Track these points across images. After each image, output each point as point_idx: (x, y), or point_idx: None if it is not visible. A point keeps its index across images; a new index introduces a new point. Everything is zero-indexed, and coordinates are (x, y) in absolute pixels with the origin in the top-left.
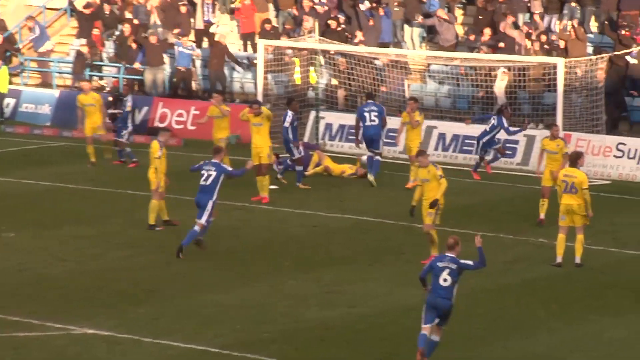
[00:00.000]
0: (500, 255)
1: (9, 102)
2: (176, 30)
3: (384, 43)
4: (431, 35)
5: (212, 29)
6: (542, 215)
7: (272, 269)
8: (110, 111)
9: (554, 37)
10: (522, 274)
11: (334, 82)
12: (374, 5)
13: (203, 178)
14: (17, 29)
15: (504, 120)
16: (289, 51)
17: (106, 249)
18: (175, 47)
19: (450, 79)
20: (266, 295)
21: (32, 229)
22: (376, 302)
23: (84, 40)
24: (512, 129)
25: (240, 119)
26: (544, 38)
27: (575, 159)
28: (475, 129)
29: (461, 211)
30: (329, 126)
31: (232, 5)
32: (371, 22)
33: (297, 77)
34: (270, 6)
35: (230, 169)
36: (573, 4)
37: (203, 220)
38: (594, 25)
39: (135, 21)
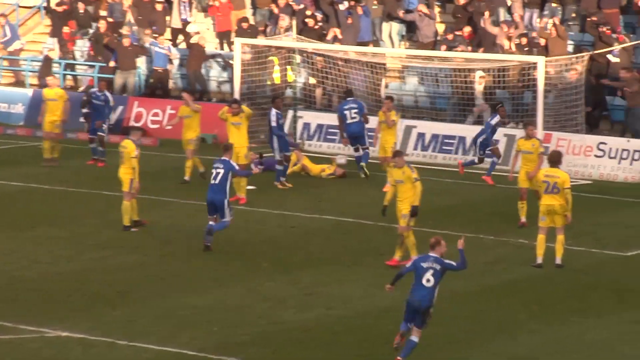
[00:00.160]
0: (481, 256)
1: None
2: (148, 32)
3: (363, 42)
4: (410, 34)
5: (188, 28)
6: (523, 219)
7: (249, 270)
8: (85, 110)
9: (534, 34)
10: (502, 275)
11: (312, 81)
12: (352, 4)
13: (212, 176)
14: None
15: (494, 118)
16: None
17: (80, 251)
18: (152, 47)
19: (430, 78)
20: (243, 297)
21: (5, 230)
22: (354, 304)
23: (54, 40)
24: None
25: (220, 117)
26: (524, 40)
27: (556, 159)
28: (457, 129)
29: (442, 212)
30: (307, 125)
31: (208, 3)
32: (349, 21)
33: (277, 77)
34: (248, 4)
35: (237, 167)
36: (554, 5)
37: (227, 217)
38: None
39: (110, 19)
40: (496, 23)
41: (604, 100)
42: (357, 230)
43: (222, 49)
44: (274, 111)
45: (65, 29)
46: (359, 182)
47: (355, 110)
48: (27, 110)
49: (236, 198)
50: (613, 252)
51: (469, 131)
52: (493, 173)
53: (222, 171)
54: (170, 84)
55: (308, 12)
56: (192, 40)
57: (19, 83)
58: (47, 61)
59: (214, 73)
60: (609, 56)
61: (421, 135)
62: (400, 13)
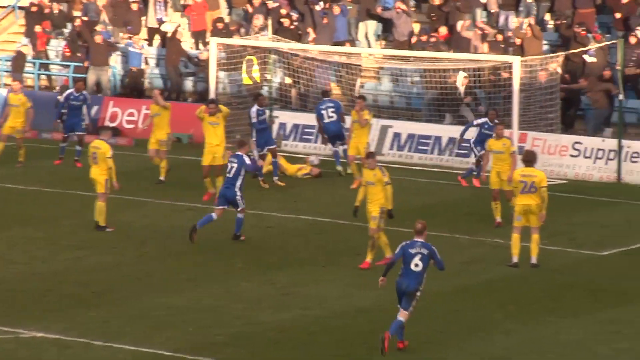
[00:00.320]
0: (457, 256)
1: None
2: (123, 31)
3: (339, 41)
4: (386, 34)
5: (163, 27)
6: (498, 219)
7: (225, 270)
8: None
9: (510, 34)
10: (478, 274)
11: (288, 80)
12: (328, 5)
13: (227, 170)
14: None
15: (479, 120)
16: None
17: (55, 251)
18: (127, 47)
19: (406, 78)
20: (219, 297)
21: None
22: (331, 304)
23: (26, 40)
24: (485, 132)
25: (197, 116)
26: (500, 37)
27: (531, 159)
28: (433, 129)
29: (417, 212)
30: (282, 125)
31: (182, 4)
32: (325, 21)
33: (257, 76)
34: (223, 4)
35: (249, 162)
36: (529, 1)
37: (240, 208)
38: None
39: (85, 18)
40: (472, 25)
41: (579, 100)
42: (333, 230)
43: (197, 48)
44: (255, 107)
45: (37, 28)
46: (334, 182)
47: (332, 110)
48: (1, 110)
49: (210, 196)
50: (588, 251)
51: (444, 131)
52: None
53: (235, 165)
54: (145, 83)
55: (283, 12)
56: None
57: None
58: (20, 57)
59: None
60: (585, 56)
61: (397, 135)
62: (379, 9)
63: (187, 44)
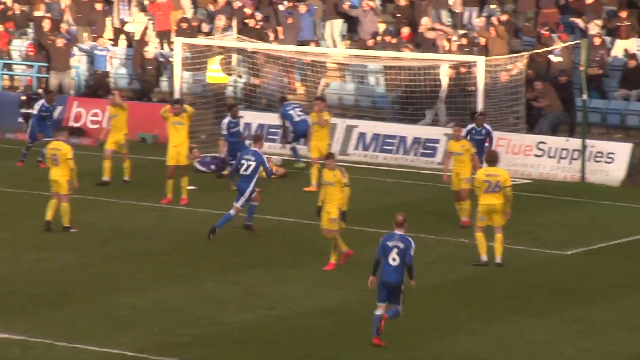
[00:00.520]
0: (422, 255)
1: None
2: (87, 32)
3: (304, 41)
4: (352, 33)
5: (126, 27)
6: (463, 218)
7: (189, 270)
8: (23, 111)
9: (474, 34)
10: (443, 274)
11: (252, 80)
12: (291, 4)
13: (243, 168)
14: None
15: (470, 126)
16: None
17: (19, 252)
18: (93, 49)
19: (371, 77)
20: (184, 297)
21: None
22: (295, 304)
23: None
24: (475, 137)
25: (161, 115)
26: (464, 41)
27: (494, 158)
28: (398, 129)
29: (383, 211)
30: (247, 125)
31: (144, 3)
32: (290, 20)
33: (224, 76)
34: (187, 3)
35: (266, 159)
36: (492, 7)
37: (239, 204)
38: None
39: (48, 19)
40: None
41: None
42: (297, 230)
43: (162, 48)
44: (227, 119)
45: (0, 28)
46: (299, 182)
47: (300, 109)
48: None
49: (168, 200)
50: (552, 251)
51: (409, 130)
52: (432, 172)
53: (253, 164)
54: (111, 84)
55: (248, 11)
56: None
57: None
58: None
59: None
60: (550, 56)
61: (362, 135)
62: (346, 6)
63: (152, 44)
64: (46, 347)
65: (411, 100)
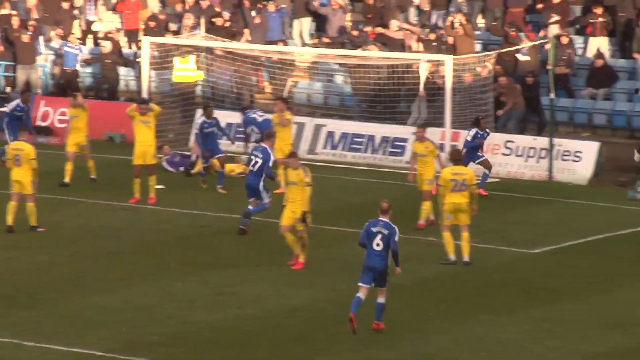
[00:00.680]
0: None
1: None
2: (55, 30)
3: (272, 40)
4: (320, 32)
5: (93, 27)
6: (431, 216)
7: (158, 270)
8: None
9: (442, 32)
10: (413, 273)
11: (221, 79)
12: (262, 4)
13: (252, 164)
14: None
15: (470, 132)
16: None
17: None
18: (63, 47)
19: (340, 76)
20: (152, 297)
21: None
22: (264, 304)
23: None
24: (478, 140)
25: (127, 114)
26: (432, 36)
27: (459, 157)
28: (366, 128)
29: (352, 210)
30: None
31: (114, 0)
32: (258, 20)
33: (196, 75)
34: (156, 3)
35: (273, 158)
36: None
37: (266, 200)
38: (481, 22)
39: (15, 18)
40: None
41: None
42: (266, 230)
43: (130, 47)
44: (201, 119)
45: None
46: (267, 182)
47: (260, 111)
48: None
49: (136, 200)
50: (521, 249)
51: (378, 129)
52: (400, 171)
53: (260, 161)
54: (79, 83)
55: (217, 10)
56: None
57: None
58: None
59: (122, 72)
60: (518, 55)
61: (331, 134)
62: (316, 3)
63: (120, 42)
64: (14, 347)
65: (380, 99)
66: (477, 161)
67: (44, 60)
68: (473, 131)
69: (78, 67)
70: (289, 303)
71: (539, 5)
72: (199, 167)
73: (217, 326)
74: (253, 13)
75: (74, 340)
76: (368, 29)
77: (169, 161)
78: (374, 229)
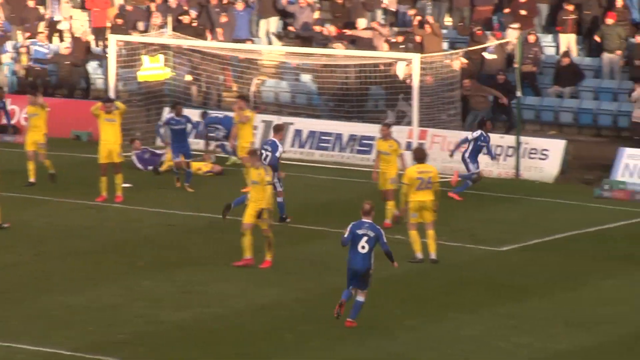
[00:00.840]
0: None
1: None
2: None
3: (239, 39)
4: (287, 31)
5: (59, 26)
6: (396, 212)
7: (125, 269)
8: None
9: (409, 30)
10: (379, 271)
11: (188, 78)
12: (226, 2)
13: (262, 157)
14: None
15: (474, 134)
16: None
17: None
18: (28, 46)
19: (307, 74)
20: (119, 296)
21: None
22: (231, 302)
23: None
24: (481, 144)
25: (92, 113)
26: (400, 38)
27: (423, 156)
28: (334, 126)
29: (319, 208)
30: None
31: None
32: (225, 18)
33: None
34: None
35: (281, 149)
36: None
37: (280, 188)
38: (448, 20)
39: None
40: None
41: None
42: (234, 228)
43: (97, 45)
44: (170, 115)
45: None
46: (235, 180)
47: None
48: None
49: (103, 199)
50: (488, 247)
51: (345, 128)
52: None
53: (270, 154)
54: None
55: (185, 8)
56: (64, 27)
57: None
58: None
59: (89, 69)
60: (484, 54)
61: (298, 132)
62: (285, 1)
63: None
64: None
65: (347, 97)
66: (477, 170)
67: (9, 59)
68: (477, 133)
69: (46, 66)
70: (256, 301)
71: (506, 10)
72: (166, 165)
73: (184, 325)
74: (218, 8)
75: (40, 340)
76: (332, 28)
77: (139, 156)
78: (360, 232)
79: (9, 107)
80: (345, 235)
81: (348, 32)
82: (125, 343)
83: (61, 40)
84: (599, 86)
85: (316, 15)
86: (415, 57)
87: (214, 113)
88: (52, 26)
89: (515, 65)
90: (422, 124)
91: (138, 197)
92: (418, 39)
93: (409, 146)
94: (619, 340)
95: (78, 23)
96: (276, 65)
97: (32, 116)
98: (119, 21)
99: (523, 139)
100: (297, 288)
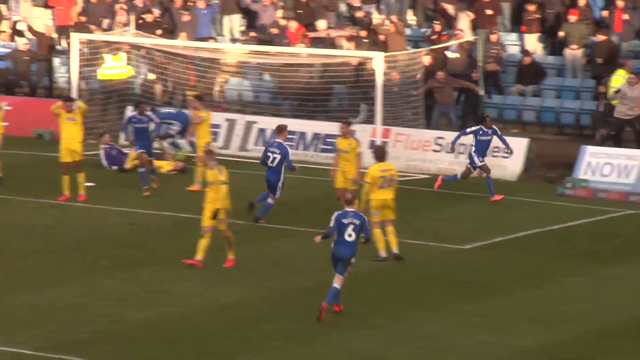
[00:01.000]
0: (321, 250)
1: None
2: None
3: (202, 37)
4: (251, 29)
5: (18, 26)
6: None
7: (88, 268)
8: None
9: (372, 26)
10: None
11: (151, 76)
12: (191, 2)
13: (270, 160)
14: None
15: (473, 127)
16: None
17: None
18: None
19: (270, 73)
20: (82, 295)
21: None
22: (194, 301)
23: None
24: (481, 138)
25: (52, 112)
26: (363, 33)
27: (383, 154)
28: (298, 125)
29: (283, 207)
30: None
31: None
32: (188, 17)
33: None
34: None
35: (290, 151)
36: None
37: (277, 195)
38: (412, 18)
39: None
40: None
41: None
42: (196, 226)
43: (59, 43)
44: (132, 113)
45: None
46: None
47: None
48: None
49: (66, 197)
50: (451, 245)
51: (309, 126)
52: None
53: (278, 157)
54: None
55: (146, 7)
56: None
57: None
58: None
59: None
60: (447, 52)
61: (262, 131)
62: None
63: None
64: None
65: (311, 96)
66: (478, 166)
67: None
68: (475, 128)
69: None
70: (219, 300)
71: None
72: (131, 163)
73: (147, 324)
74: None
75: (3, 339)
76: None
77: (107, 152)
78: (346, 221)
79: None
80: (331, 225)
81: (310, 34)
82: (89, 342)
83: (27, 35)
84: (562, 84)
85: (279, 13)
86: (379, 56)
87: (165, 109)
88: (15, 26)
89: (479, 64)
90: (386, 122)
91: (101, 196)
92: (382, 37)
93: (372, 145)
94: (582, 337)
95: (41, 22)
96: (239, 64)
97: None
98: (82, 18)
99: None
100: (260, 286)
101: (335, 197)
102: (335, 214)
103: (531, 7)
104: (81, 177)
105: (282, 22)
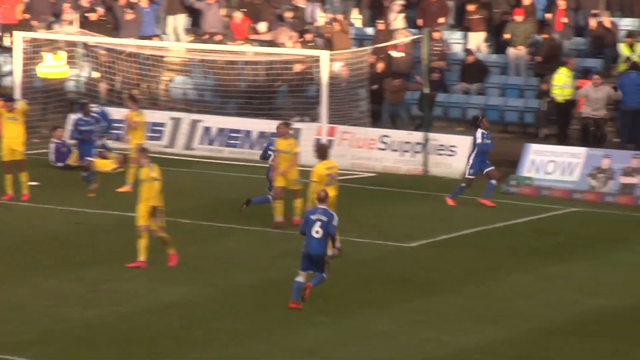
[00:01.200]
0: (268, 250)
1: None
2: None
3: (146, 36)
4: (195, 27)
5: None
6: (279, 218)
7: (32, 268)
8: None
9: (317, 25)
10: (288, 269)
11: (95, 74)
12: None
13: (271, 159)
14: None
15: (478, 132)
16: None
17: None
18: None
19: (214, 71)
20: (26, 295)
21: None
22: (140, 301)
23: None
24: (486, 141)
25: None
26: (309, 36)
27: (325, 152)
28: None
29: (229, 206)
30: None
31: None
32: (132, 16)
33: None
34: None
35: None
36: None
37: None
38: (357, 17)
39: None
40: (281, 18)
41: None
42: None
43: (2, 42)
44: (77, 117)
45: None
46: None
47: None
48: None
49: (9, 197)
50: (396, 243)
51: (255, 125)
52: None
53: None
54: None
55: (90, 5)
56: None
57: None
58: None
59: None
60: (391, 52)
61: (207, 130)
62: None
63: None
64: None
65: (257, 95)
66: (485, 170)
67: None
68: (479, 132)
69: None
70: (165, 299)
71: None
72: (74, 158)
73: (92, 323)
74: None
75: None
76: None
77: (57, 148)
78: (313, 217)
79: None
80: (302, 223)
81: (252, 36)
82: (31, 342)
83: None
84: (505, 83)
85: (223, 12)
86: (324, 54)
87: (99, 110)
88: None
89: (424, 63)
90: (332, 120)
91: (45, 195)
92: (327, 35)
93: (316, 142)
94: (527, 334)
95: None
96: (184, 62)
97: None
98: (26, 16)
99: (431, 135)
100: (206, 285)
101: (274, 197)
102: (306, 210)
103: (470, 8)
104: (24, 177)
105: (225, 19)
